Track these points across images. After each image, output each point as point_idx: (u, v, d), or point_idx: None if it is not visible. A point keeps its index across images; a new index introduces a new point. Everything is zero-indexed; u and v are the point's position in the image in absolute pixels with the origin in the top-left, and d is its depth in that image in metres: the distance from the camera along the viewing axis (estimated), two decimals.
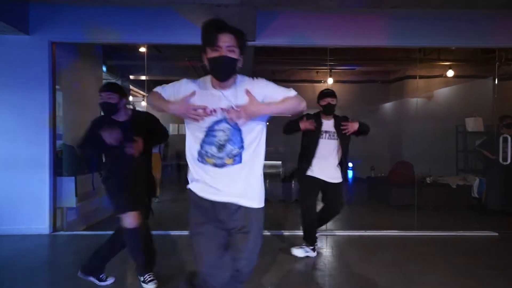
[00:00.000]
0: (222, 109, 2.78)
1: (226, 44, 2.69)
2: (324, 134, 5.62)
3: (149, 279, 4.38)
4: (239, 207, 2.83)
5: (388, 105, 13.03)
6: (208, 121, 2.80)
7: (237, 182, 2.85)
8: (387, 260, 5.45)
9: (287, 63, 10.65)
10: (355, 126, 5.41)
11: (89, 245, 5.83)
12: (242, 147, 2.83)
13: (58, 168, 7.11)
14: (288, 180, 10.57)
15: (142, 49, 8.08)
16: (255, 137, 2.87)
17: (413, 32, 6.96)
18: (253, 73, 8.68)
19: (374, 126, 7.00)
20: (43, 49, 6.74)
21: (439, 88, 11.98)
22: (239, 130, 2.81)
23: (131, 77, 11.64)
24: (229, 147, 2.82)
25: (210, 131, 2.82)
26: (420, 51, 9.20)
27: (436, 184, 10.00)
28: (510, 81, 10.21)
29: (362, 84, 12.23)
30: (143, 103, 14.42)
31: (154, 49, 8.95)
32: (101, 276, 4.51)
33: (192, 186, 2.93)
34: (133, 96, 13.17)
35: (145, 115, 4.68)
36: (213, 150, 2.83)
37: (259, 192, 2.94)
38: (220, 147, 2.83)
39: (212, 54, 2.73)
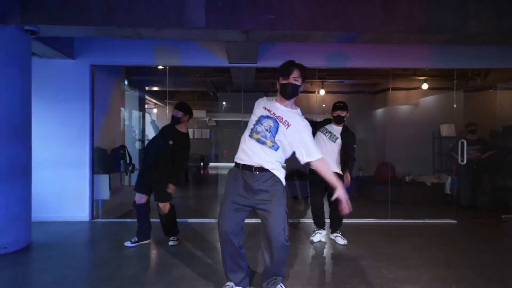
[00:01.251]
0: (274, 113, 3.99)
1: (293, 76, 3.95)
2: (327, 133, 6.42)
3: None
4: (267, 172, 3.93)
5: (374, 113, 13.81)
6: (264, 112, 4.02)
7: (268, 157, 3.93)
8: (362, 239, 6.76)
9: None
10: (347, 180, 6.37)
11: (121, 229, 7.36)
12: (272, 141, 3.92)
13: (94, 167, 8.29)
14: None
15: (161, 67, 9.35)
16: (283, 143, 3.94)
17: (386, 55, 8.21)
18: (254, 85, 10.03)
19: (363, 131, 8.22)
20: (85, 71, 8.02)
21: (418, 98, 13.00)
22: (276, 129, 3.93)
23: (146, 88, 12.93)
24: (267, 134, 3.92)
25: (261, 119, 4.00)
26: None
27: (414, 183, 11.03)
28: (476, 93, 11.53)
29: (351, 94, 13.11)
30: (155, 110, 15.72)
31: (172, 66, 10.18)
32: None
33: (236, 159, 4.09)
34: (147, 103, 14.37)
35: (185, 137, 6.26)
36: (260, 128, 3.96)
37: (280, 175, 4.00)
38: (266, 130, 3.93)
39: (283, 81, 3.99)
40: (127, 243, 6.19)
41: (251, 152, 3.96)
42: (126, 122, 11.64)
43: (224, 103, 12.19)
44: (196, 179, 14.56)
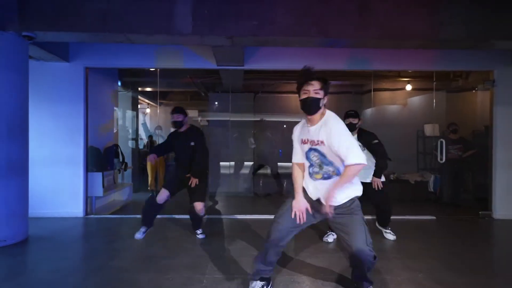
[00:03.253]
0: (311, 141, 3.81)
1: (313, 88, 3.73)
2: None
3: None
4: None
5: (360, 113, 13.94)
6: (306, 147, 3.89)
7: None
8: None
9: (273, 78, 11.86)
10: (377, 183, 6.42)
11: (114, 225, 7.76)
12: (334, 166, 3.78)
13: (88, 165, 8.62)
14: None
15: (152, 68, 9.71)
16: (334, 154, 3.69)
17: (366, 58, 8.60)
18: (243, 86, 10.43)
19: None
20: (79, 73, 8.36)
21: (402, 99, 13.34)
22: (323, 156, 3.78)
23: (139, 89, 13.27)
24: (325, 167, 3.80)
25: (308, 155, 3.89)
26: None
27: (398, 181, 11.36)
28: (459, 94, 11.89)
29: (338, 94, 13.38)
30: (148, 110, 16.06)
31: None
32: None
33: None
34: (140, 104, 14.69)
35: (196, 129, 6.70)
36: (315, 169, 3.87)
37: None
38: (320, 166, 3.84)
39: (303, 96, 3.77)
40: (138, 235, 6.65)
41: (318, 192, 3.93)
42: (120, 122, 11.97)
43: (216, 103, 12.51)
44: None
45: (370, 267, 3.94)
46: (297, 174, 4.08)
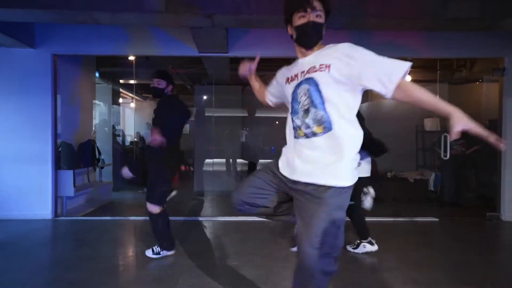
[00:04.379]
0: (302, 72, 2.74)
1: (313, 10, 2.69)
2: None
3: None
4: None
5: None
6: (291, 86, 2.80)
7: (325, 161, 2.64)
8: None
9: (263, 68, 11.32)
10: None
11: (85, 228, 7.04)
12: (325, 111, 2.62)
13: (58, 162, 7.97)
14: None
15: (131, 57, 9.03)
16: (338, 94, 2.63)
17: (364, 43, 7.89)
18: (230, 77, 9.72)
19: None
20: (46, 61, 7.64)
21: None
22: (318, 90, 2.63)
23: (121, 81, 12.56)
24: (312, 111, 2.66)
25: (294, 96, 2.76)
26: None
27: (396, 179, 10.83)
28: (462, 85, 11.27)
29: None
30: (132, 105, 15.34)
31: (143, 57, 9.86)
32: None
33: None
34: (123, 98, 14.01)
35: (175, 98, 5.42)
36: (299, 119, 2.73)
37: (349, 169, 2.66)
38: (306, 112, 2.68)
39: (299, 21, 2.72)
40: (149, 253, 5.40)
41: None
42: (99, 116, 11.28)
43: (204, 96, 11.84)
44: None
45: (320, 285, 2.62)
46: (260, 90, 3.50)
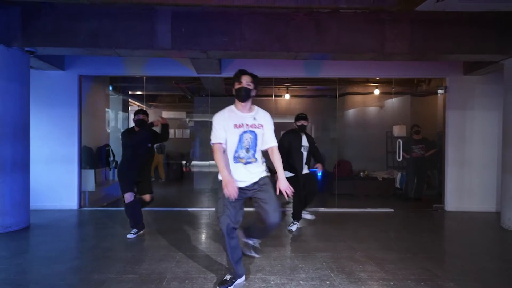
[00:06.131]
0: (246, 124, 4.33)
1: (245, 81, 4.32)
2: (304, 147, 7.40)
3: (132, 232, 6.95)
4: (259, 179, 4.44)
5: (335, 115, 14.43)
6: (238, 131, 4.32)
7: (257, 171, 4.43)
8: (313, 224, 8.03)
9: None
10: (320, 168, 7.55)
11: (104, 216, 8.65)
12: (255, 151, 4.40)
13: (81, 163, 9.57)
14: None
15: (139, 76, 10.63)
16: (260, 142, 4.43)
17: (332, 67, 9.59)
18: (225, 90, 11.39)
19: (325, 131, 9.04)
20: (74, 80, 9.35)
21: (372, 102, 14.23)
22: (256, 139, 4.37)
23: (130, 92, 14.19)
24: (250, 151, 4.37)
25: (240, 139, 4.32)
26: None
27: (368, 178, 12.37)
28: (422, 97, 12.75)
29: (314, 98, 14.42)
30: None
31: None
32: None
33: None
34: (131, 106, 15.56)
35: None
36: (243, 153, 4.36)
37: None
38: (247, 150, 4.36)
39: (237, 86, 4.33)
40: (129, 236, 6.87)
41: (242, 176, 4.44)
42: (112, 123, 12.87)
43: (203, 105, 13.32)
44: (177, 175, 16.03)
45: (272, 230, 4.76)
46: (220, 154, 4.37)
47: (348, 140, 14.31)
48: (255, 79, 4.43)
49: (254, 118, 4.41)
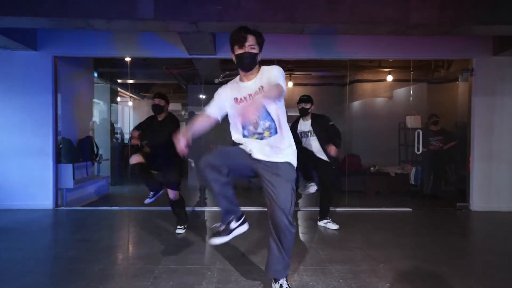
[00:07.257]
0: (249, 95, 3.53)
1: (248, 43, 3.51)
2: (302, 134, 6.66)
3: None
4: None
5: (344, 105, 13.67)
6: (242, 106, 3.52)
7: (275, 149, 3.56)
8: (311, 225, 7.12)
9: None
10: (333, 151, 6.47)
11: (82, 218, 7.60)
12: (272, 120, 3.55)
13: (58, 156, 8.54)
14: None
15: (128, 58, 9.57)
16: (276, 108, 3.54)
17: (344, 46, 8.43)
18: (223, 78, 10.31)
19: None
20: (48, 62, 8.23)
21: (384, 90, 13.21)
22: (265, 106, 3.44)
23: (119, 81, 13.11)
24: (261, 123, 3.54)
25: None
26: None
27: (379, 173, 11.36)
28: (441, 85, 11.80)
29: (320, 86, 13.30)
30: (130, 103, 15.90)
31: (140, 58, 10.33)
32: None
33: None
34: (121, 97, 14.55)
35: (174, 117, 6.31)
36: (251, 129, 3.58)
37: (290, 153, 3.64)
38: (255, 124, 3.54)
39: (238, 51, 3.54)
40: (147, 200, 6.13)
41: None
42: (98, 114, 11.86)
43: (200, 95, 12.35)
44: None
45: (289, 238, 3.61)
46: (199, 119, 3.77)
47: (356, 132, 13.32)
48: (260, 38, 3.62)
49: (260, 84, 3.55)
